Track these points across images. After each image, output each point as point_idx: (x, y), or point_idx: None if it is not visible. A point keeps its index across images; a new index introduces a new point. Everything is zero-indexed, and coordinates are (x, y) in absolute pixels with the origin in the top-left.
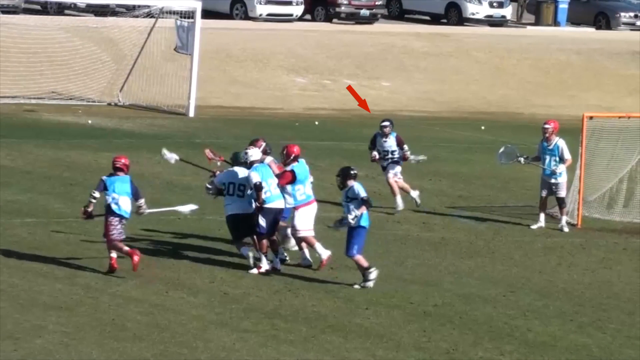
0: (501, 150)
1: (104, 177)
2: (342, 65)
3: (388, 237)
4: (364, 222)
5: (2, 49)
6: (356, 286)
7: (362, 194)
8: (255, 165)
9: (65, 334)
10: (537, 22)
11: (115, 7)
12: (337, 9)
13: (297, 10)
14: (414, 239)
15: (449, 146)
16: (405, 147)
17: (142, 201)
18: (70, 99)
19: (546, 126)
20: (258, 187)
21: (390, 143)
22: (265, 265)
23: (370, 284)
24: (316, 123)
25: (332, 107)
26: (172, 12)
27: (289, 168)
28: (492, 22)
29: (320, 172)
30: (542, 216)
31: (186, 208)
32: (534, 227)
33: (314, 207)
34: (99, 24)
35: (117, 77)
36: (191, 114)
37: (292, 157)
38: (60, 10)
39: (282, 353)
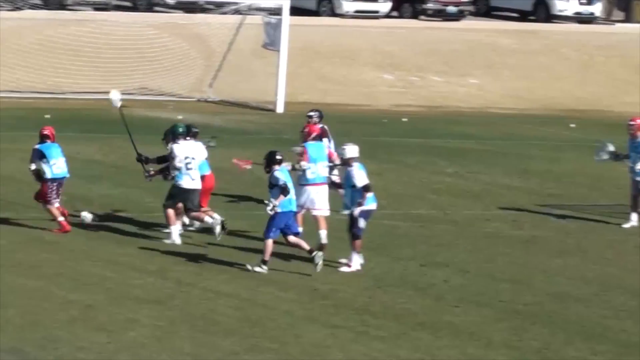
0: (603, 148)
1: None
2: (429, 62)
3: (477, 234)
4: (284, 207)
5: (93, 45)
6: (248, 266)
7: (281, 181)
8: (354, 163)
9: (157, 327)
10: (627, 19)
11: (204, 4)
12: (424, 6)
13: (384, 7)
14: (503, 237)
15: (539, 144)
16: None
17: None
18: (161, 94)
19: (631, 123)
20: (368, 188)
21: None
22: (356, 265)
23: (258, 269)
24: (404, 120)
25: (419, 104)
26: (260, 9)
27: (305, 145)
28: (580, 19)
29: (409, 169)
30: (634, 215)
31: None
32: (625, 226)
33: (323, 189)
34: (188, 20)
35: (206, 73)
36: (279, 110)
37: (311, 136)
38: (149, 7)
39: (373, 349)
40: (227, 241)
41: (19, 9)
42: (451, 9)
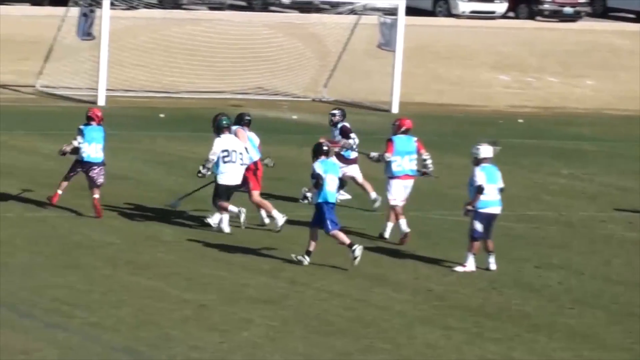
0: None
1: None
2: (545, 63)
3: (593, 236)
4: (321, 199)
5: (208, 44)
6: (356, 255)
7: (316, 173)
8: (483, 164)
9: (271, 327)
10: None
11: (320, 4)
12: (540, 7)
13: (501, 7)
14: (619, 239)
15: None
16: (352, 135)
17: None
18: (275, 94)
19: None
20: (480, 190)
21: (336, 133)
22: (471, 266)
23: (357, 253)
24: (520, 121)
25: (535, 104)
26: (375, 9)
27: (391, 137)
28: None
29: (525, 170)
30: None
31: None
32: None
33: (407, 183)
34: (304, 20)
35: (321, 73)
36: (394, 110)
37: (401, 130)
38: (265, 6)
39: (487, 351)
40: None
41: (134, 7)
42: (568, 9)
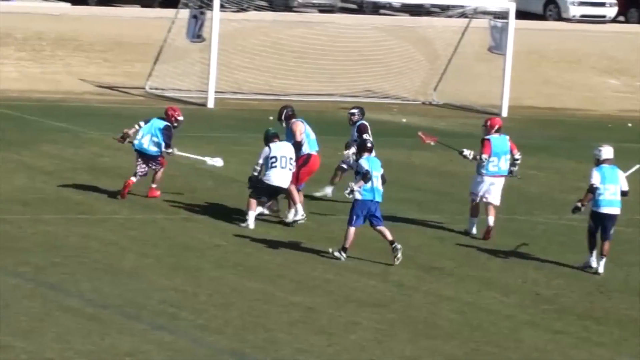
0: None
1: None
2: None
3: None
4: (365, 196)
5: (319, 47)
6: (329, 250)
7: (364, 168)
8: (602, 165)
9: (378, 330)
10: None
11: (430, 7)
12: None
13: (611, 11)
14: None
15: None
16: (365, 136)
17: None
18: (385, 97)
19: None
20: (591, 190)
21: (354, 132)
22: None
23: (337, 254)
24: (629, 125)
25: None
26: (485, 13)
27: (487, 137)
28: None
29: (635, 175)
30: None
31: (213, 161)
32: None
33: (500, 181)
34: (414, 23)
35: (431, 76)
36: (504, 114)
37: (494, 129)
38: (375, 9)
39: (594, 355)
40: (449, 246)
41: (244, 10)
42: None
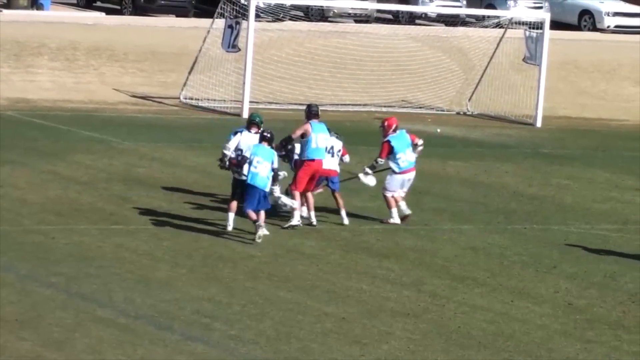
0: None
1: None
2: None
3: None
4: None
5: (355, 57)
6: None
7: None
8: None
9: (411, 340)
10: None
11: (465, 17)
12: None
13: None
14: None
15: None
16: None
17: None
18: (420, 107)
19: None
20: None
21: None
22: None
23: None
24: None
25: None
26: (521, 23)
27: (386, 139)
28: None
29: None
30: None
31: (369, 180)
32: None
33: (411, 175)
34: (449, 33)
35: (465, 86)
36: (538, 124)
37: (391, 129)
38: (411, 19)
39: None
40: (482, 256)
41: (279, 20)
42: None
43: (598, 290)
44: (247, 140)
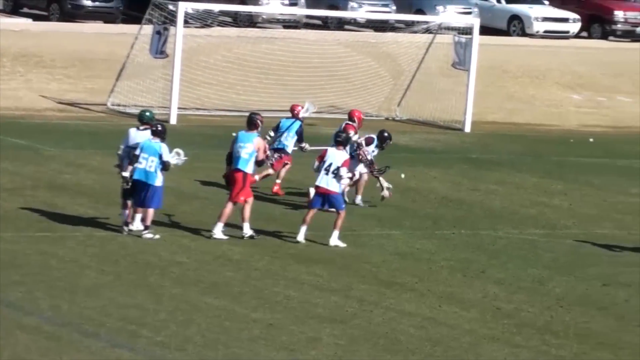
0: None
1: None
2: (617, 83)
3: None
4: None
5: (283, 62)
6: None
7: None
8: None
9: (339, 346)
10: None
11: (394, 23)
12: (613, 27)
13: (574, 27)
14: None
15: None
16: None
17: None
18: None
19: None
20: None
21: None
22: None
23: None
24: (591, 140)
25: (607, 124)
26: (450, 28)
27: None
28: None
29: (595, 189)
30: None
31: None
32: None
33: None
34: (378, 39)
35: (394, 92)
36: (467, 129)
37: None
38: (340, 25)
39: None
40: (410, 261)
41: (208, 26)
42: None
43: (526, 294)
44: (136, 138)
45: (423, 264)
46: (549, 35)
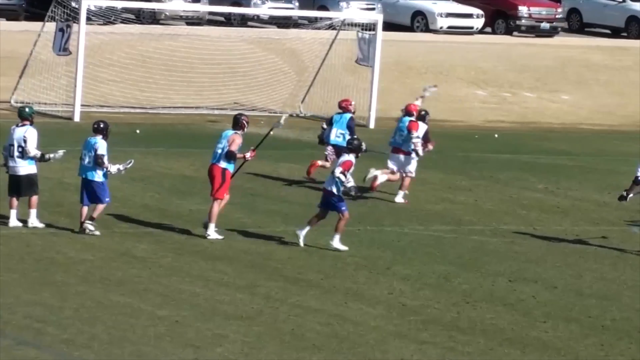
0: None
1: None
2: (522, 78)
3: (566, 250)
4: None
5: (187, 59)
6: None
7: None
8: None
9: (245, 343)
10: None
11: (298, 19)
12: (517, 22)
13: (478, 23)
14: (592, 253)
15: (629, 160)
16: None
17: None
18: (253, 109)
19: None
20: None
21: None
22: None
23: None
24: (496, 136)
25: (511, 120)
26: (353, 24)
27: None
28: None
29: (500, 185)
30: None
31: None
32: None
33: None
34: (282, 35)
35: (298, 88)
36: (371, 125)
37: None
38: (243, 22)
39: None
40: (316, 258)
41: (111, 23)
42: (544, 25)
43: (432, 291)
44: (13, 134)
45: (329, 261)
46: (453, 31)
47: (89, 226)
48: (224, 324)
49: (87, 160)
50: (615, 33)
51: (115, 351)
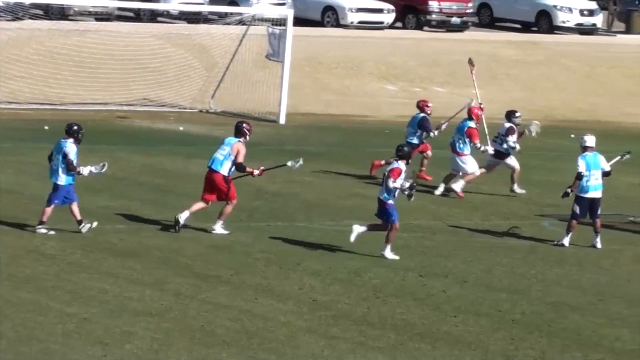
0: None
1: None
2: (432, 73)
3: (476, 245)
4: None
5: (95, 55)
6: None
7: None
8: (586, 153)
9: (154, 339)
10: (628, 31)
11: (208, 15)
12: (428, 17)
13: (388, 18)
14: (502, 247)
15: (539, 154)
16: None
17: None
18: (162, 105)
19: None
20: (579, 176)
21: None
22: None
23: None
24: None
25: None
26: (263, 20)
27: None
28: (582, 30)
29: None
30: None
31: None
32: None
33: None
34: (191, 31)
35: (208, 84)
36: (282, 121)
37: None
38: (152, 17)
39: None
40: (225, 254)
41: (19, 19)
42: (455, 20)
43: (342, 286)
44: None
45: (239, 257)
46: (363, 26)
47: (87, 225)
48: (133, 321)
49: (55, 162)
50: (526, 28)
51: (23, 349)
